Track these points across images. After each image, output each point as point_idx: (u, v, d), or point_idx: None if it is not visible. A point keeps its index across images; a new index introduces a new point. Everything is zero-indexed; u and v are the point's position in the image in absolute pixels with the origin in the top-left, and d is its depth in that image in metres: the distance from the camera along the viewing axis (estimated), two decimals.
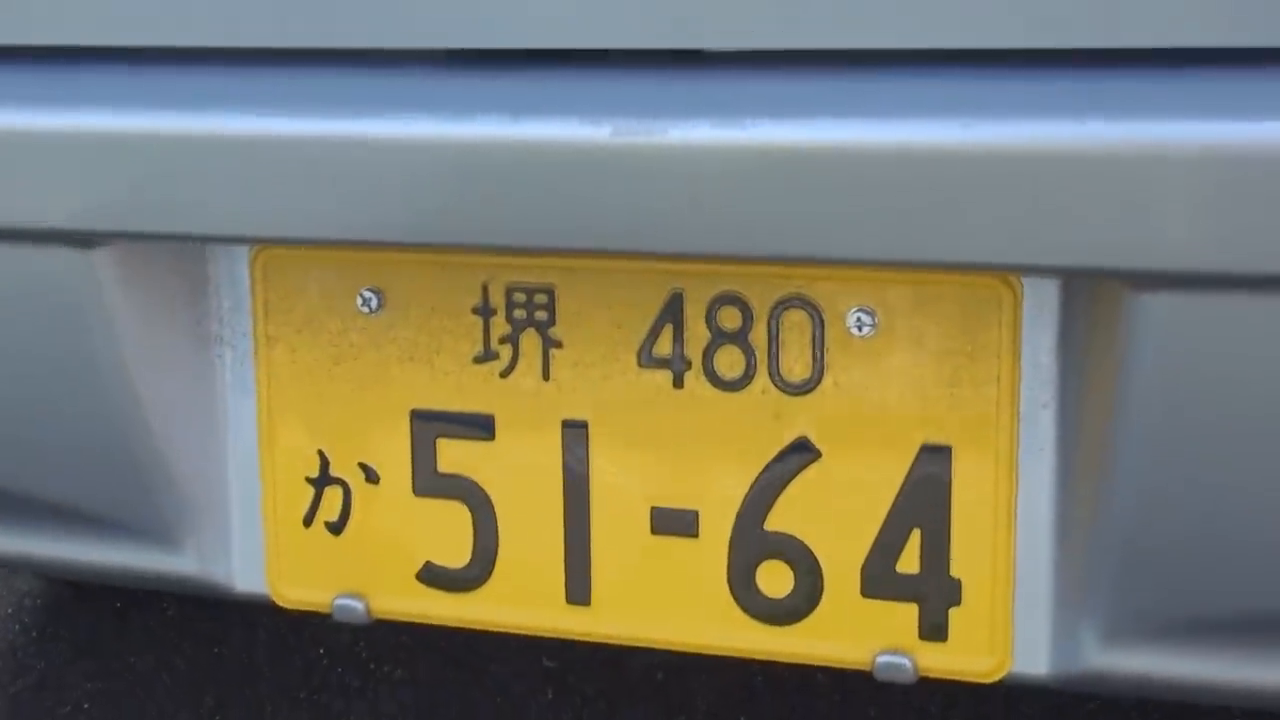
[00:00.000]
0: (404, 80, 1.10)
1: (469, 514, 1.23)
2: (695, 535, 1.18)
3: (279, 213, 1.11)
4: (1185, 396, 1.02)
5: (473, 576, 1.24)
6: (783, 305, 1.13)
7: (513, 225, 1.06)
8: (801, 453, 1.15)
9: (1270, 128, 0.94)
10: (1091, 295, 1.06)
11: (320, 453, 1.26)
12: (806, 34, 1.03)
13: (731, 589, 1.19)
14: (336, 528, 1.27)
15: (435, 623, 1.26)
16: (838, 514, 1.15)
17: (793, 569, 1.17)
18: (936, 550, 1.14)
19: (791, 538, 1.16)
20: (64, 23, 1.16)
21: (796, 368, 1.14)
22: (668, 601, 1.20)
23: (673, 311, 1.16)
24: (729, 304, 1.15)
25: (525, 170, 1.05)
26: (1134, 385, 1.02)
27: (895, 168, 0.99)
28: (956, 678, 1.16)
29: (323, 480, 1.26)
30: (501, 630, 1.25)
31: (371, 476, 1.25)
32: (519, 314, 1.19)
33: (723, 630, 1.20)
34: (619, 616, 1.21)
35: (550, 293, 1.18)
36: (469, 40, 1.09)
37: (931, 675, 1.17)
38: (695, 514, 1.18)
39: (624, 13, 1.05)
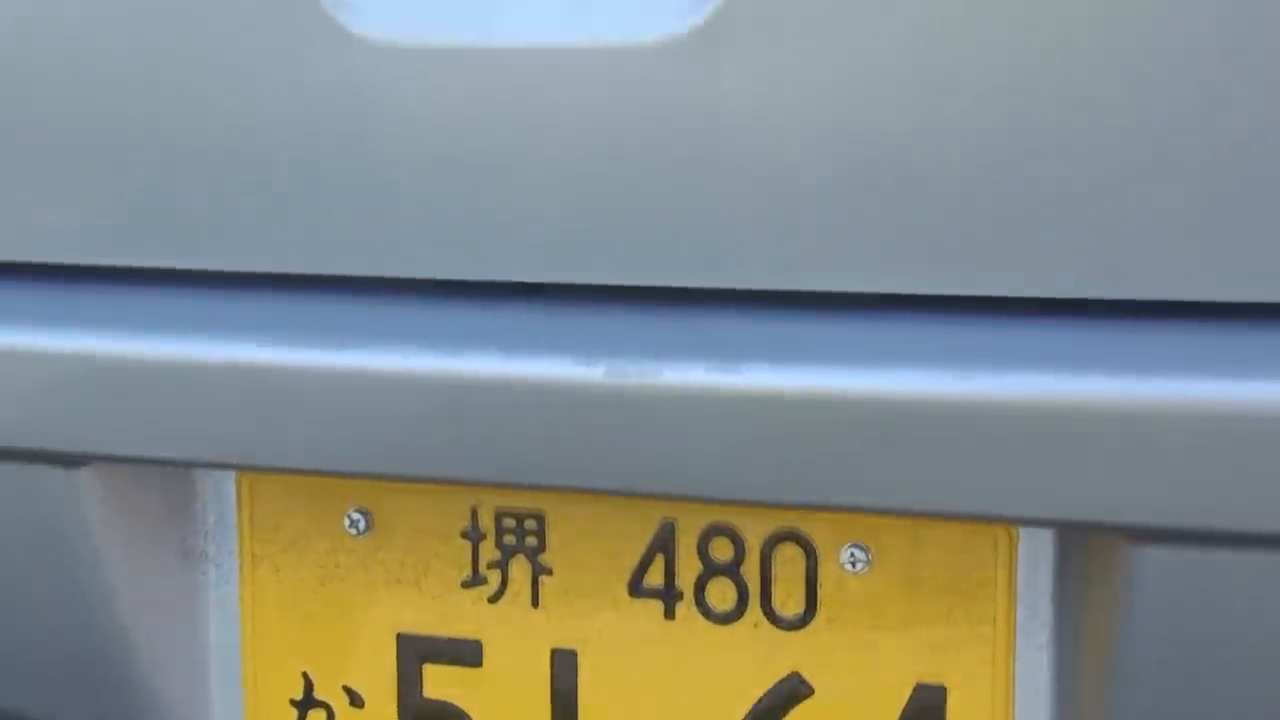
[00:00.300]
0: (395, 310, 1.10)
1: None
2: None
3: (265, 442, 1.09)
4: (1182, 648, 1.00)
5: None
6: (775, 538, 1.12)
7: (502, 462, 1.05)
8: (794, 689, 1.13)
9: (1269, 387, 0.93)
10: (1089, 544, 1.04)
11: (304, 674, 1.24)
12: (805, 276, 1.03)
13: None
14: None
15: None
16: None
17: None
18: None
19: None
20: (53, 241, 1.16)
21: (789, 602, 1.13)
22: None
23: (664, 541, 1.14)
24: (721, 535, 1.13)
25: (516, 408, 1.04)
26: (1131, 634, 1.00)
27: (891, 417, 0.98)
28: None
29: (306, 703, 1.24)
30: None
31: (356, 700, 1.23)
32: (509, 539, 1.17)
33: None
34: None
35: (540, 519, 1.16)
36: (462, 272, 1.09)
37: None
38: None
39: (620, 249, 1.05)
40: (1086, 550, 1.04)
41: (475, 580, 1.19)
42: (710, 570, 1.14)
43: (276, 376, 1.08)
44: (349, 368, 1.06)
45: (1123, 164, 0.96)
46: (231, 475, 1.23)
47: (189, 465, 1.15)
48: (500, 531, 1.18)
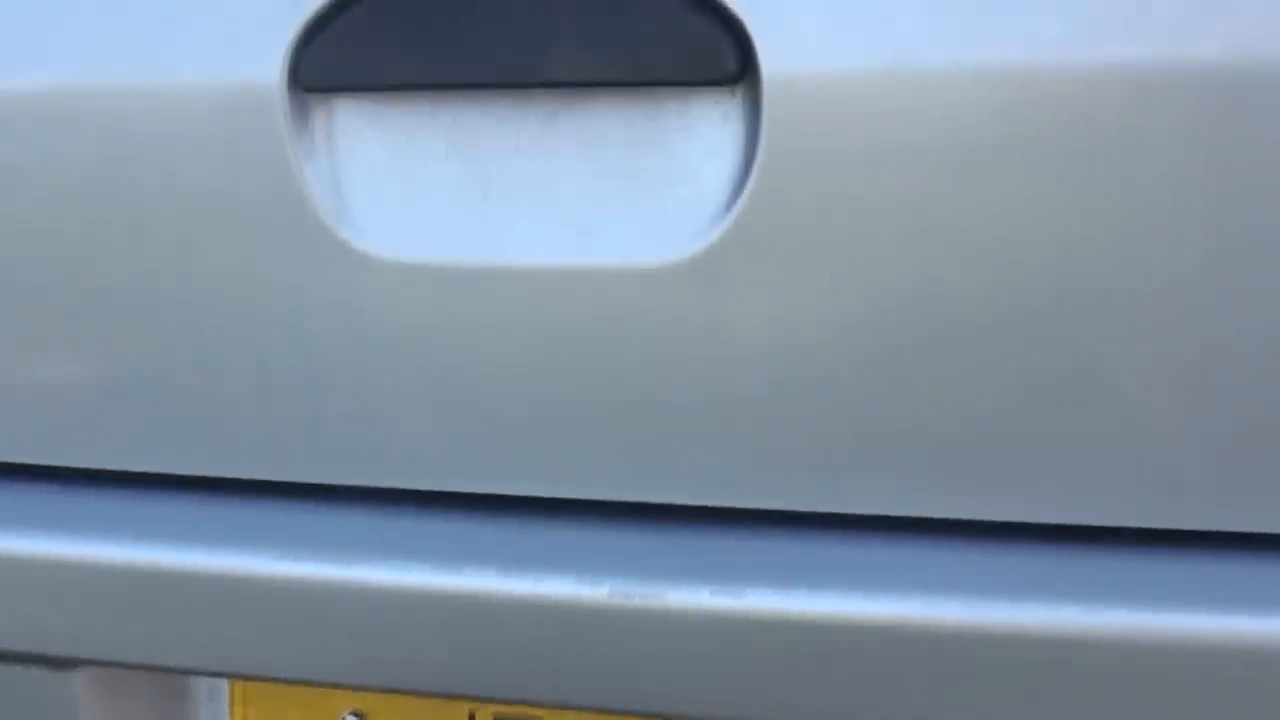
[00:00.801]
0: (395, 522, 1.08)
1: None
2: None
3: (260, 652, 1.08)
4: None
5: None
6: None
7: (501, 679, 1.04)
8: None
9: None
10: None
11: None
12: (810, 497, 1.01)
13: None
14: None
15: None
16: None
17: None
18: None
19: None
20: (50, 445, 1.15)
21: None
22: None
23: None
24: None
25: (518, 626, 1.02)
26: None
27: (899, 642, 0.97)
28: None
29: None
30: None
31: None
32: None
33: None
34: None
35: None
36: (463, 485, 1.07)
37: None
38: None
39: (623, 466, 1.04)
40: None
41: None
42: None
43: (273, 587, 1.07)
44: (347, 580, 1.05)
45: (1116, 396, 0.96)
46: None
47: (182, 673, 1.13)
48: None
